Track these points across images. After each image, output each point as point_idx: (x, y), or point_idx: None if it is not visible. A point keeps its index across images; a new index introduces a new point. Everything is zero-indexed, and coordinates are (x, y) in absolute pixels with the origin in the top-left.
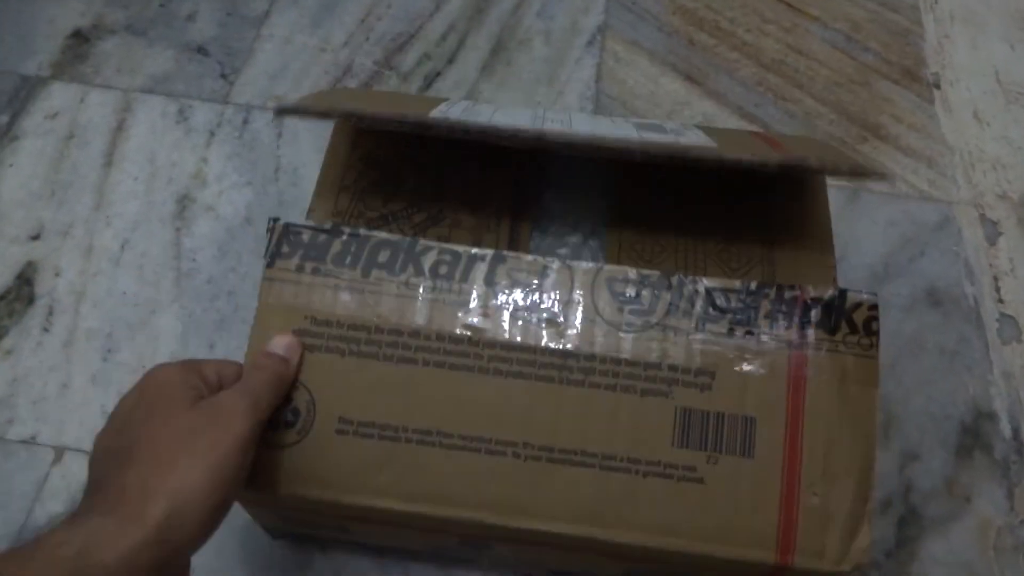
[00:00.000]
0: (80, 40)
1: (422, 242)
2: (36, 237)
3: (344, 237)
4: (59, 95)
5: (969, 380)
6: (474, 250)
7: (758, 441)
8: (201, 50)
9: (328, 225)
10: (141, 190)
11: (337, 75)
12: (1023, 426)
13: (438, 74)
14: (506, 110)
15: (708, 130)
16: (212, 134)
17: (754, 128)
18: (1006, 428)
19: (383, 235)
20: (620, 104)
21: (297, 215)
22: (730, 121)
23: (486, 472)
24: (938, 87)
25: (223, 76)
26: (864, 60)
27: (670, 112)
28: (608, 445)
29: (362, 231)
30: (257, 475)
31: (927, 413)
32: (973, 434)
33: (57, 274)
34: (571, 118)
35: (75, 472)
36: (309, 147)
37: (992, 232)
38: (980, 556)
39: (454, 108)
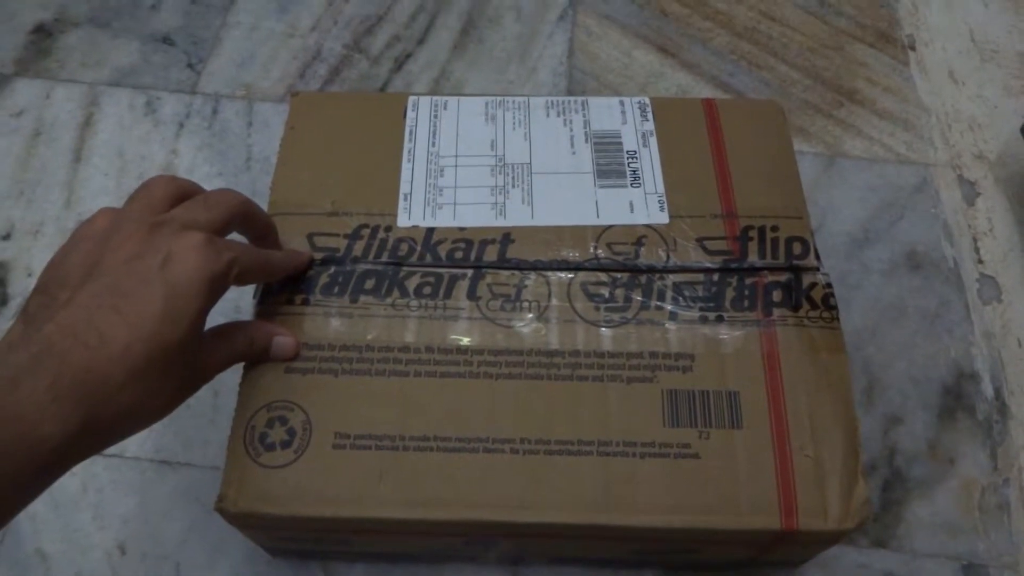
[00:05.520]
0: (43, 35)
1: (405, 269)
2: (6, 237)
3: (331, 270)
4: (24, 92)
5: (950, 342)
6: (455, 270)
7: (744, 412)
8: (167, 40)
9: (318, 260)
10: (112, 185)
11: (306, 60)
12: (1004, 386)
13: (408, 55)
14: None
15: (658, 107)
16: (181, 125)
17: (728, 97)
18: (988, 388)
19: (368, 265)
20: (593, 79)
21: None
22: (705, 91)
23: (486, 471)
24: (913, 48)
25: (190, 66)
26: (838, 24)
27: (644, 85)
28: (602, 432)
29: (348, 265)
30: (253, 497)
31: (909, 377)
32: (955, 396)
33: (30, 274)
34: (530, 132)
35: None
36: (280, 135)
37: (970, 192)
38: (965, 516)
39: (416, 157)
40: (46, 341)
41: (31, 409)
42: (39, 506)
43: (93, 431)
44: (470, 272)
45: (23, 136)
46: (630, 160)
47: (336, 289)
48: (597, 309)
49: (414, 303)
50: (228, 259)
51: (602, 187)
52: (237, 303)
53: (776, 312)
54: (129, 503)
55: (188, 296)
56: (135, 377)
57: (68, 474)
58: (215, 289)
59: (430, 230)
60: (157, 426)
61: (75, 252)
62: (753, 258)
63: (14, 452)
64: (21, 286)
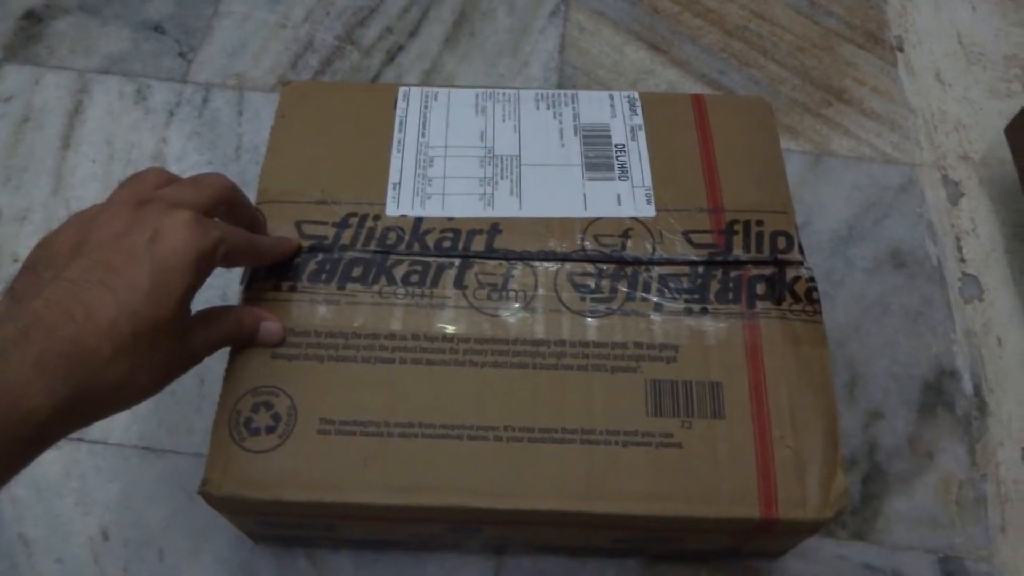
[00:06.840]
0: (33, 21)
1: (392, 257)
2: None
3: (319, 258)
4: (13, 78)
5: (932, 340)
6: (443, 259)
7: (727, 403)
8: (158, 28)
9: (306, 247)
10: (100, 172)
11: (298, 51)
12: (984, 383)
13: (400, 48)
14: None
15: (647, 101)
16: (171, 114)
17: (719, 94)
18: (968, 385)
19: (355, 253)
20: (584, 74)
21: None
22: (694, 88)
23: (470, 457)
24: (901, 50)
25: (181, 55)
26: (827, 24)
27: (634, 82)
28: (586, 420)
29: (335, 253)
30: (237, 481)
31: (891, 373)
32: (936, 392)
33: (15, 260)
34: (520, 124)
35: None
36: (271, 125)
37: (954, 193)
38: (943, 510)
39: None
40: (33, 315)
41: (17, 382)
42: (21, 491)
43: (79, 405)
44: (458, 261)
45: (11, 122)
46: (618, 153)
47: (323, 276)
48: (583, 299)
49: (401, 291)
50: (216, 237)
51: (590, 180)
52: (224, 291)
53: (759, 305)
54: (112, 489)
55: (176, 272)
56: (122, 352)
57: (51, 460)
58: (203, 267)
59: (418, 219)
60: (141, 412)
61: (63, 232)
62: (738, 252)
63: (0, 424)
64: (6, 272)
